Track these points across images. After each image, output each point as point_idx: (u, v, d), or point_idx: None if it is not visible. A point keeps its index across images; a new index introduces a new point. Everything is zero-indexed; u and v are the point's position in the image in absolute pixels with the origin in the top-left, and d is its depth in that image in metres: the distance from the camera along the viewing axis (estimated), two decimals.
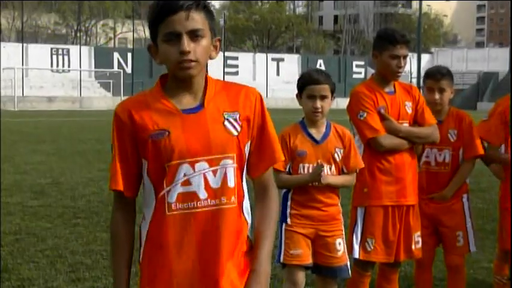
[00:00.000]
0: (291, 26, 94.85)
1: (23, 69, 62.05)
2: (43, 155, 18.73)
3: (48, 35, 78.75)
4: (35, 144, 21.81)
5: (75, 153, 19.32)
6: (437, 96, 5.60)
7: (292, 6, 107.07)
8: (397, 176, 5.22)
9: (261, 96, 3.04)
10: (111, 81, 66.13)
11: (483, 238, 8.09)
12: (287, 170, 4.90)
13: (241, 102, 2.98)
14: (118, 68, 67.36)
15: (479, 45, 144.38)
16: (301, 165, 4.88)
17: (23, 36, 67.17)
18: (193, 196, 2.88)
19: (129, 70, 68.47)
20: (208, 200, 2.88)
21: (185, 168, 2.86)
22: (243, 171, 2.98)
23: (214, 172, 2.88)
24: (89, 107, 60.36)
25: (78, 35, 77.19)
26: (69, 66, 67.11)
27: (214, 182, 2.88)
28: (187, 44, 2.81)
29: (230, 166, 2.91)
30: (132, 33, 73.76)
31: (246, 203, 3.01)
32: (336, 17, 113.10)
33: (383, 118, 5.22)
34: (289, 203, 4.94)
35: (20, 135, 25.53)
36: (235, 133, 2.91)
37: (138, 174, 2.96)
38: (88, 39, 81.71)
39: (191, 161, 2.86)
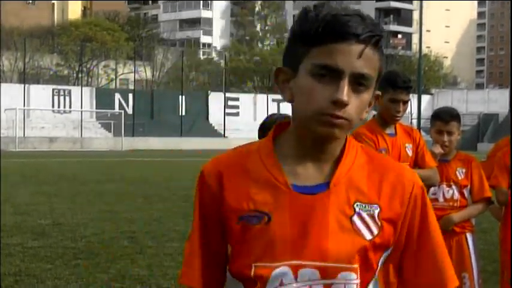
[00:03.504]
0: None
1: (24, 110, 62.24)
2: (44, 195, 18.71)
3: (50, 76, 79.11)
4: (36, 185, 21.79)
5: (75, 194, 19.30)
6: (445, 138, 5.62)
7: None
8: None
9: (422, 187, 2.00)
10: (112, 122, 66.29)
11: (485, 279, 8.06)
12: None
13: (388, 190, 1.96)
14: (119, 109, 67.58)
15: (479, 86, 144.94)
16: None
17: (25, 77, 67.49)
18: None
19: (130, 111, 68.65)
20: None
21: (284, 273, 1.89)
22: None
23: None
24: (89, 148, 60.41)
25: (79, 76, 77.57)
26: (70, 107, 67.34)
27: None
28: (347, 92, 1.83)
29: (352, 283, 1.91)
30: (133, 74, 74.12)
31: None
32: None
33: None
34: None
35: (20, 176, 25.52)
36: (369, 236, 1.91)
37: (222, 265, 2.03)
38: (89, 80, 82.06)
39: (294, 264, 1.89)
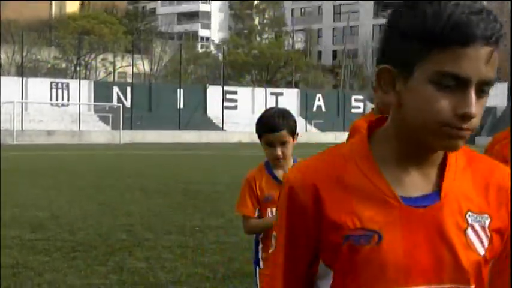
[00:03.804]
0: (290, 60, 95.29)
1: (22, 103, 62.21)
2: (42, 188, 18.71)
3: (47, 69, 79.07)
4: (34, 178, 21.80)
5: (73, 187, 19.30)
6: None
7: (291, 42, 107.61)
8: None
9: None
10: (110, 115, 66.31)
11: None
12: (256, 215, 4.52)
13: (494, 196, 1.72)
14: (117, 102, 67.58)
15: None
16: (269, 209, 4.49)
17: (23, 71, 67.44)
18: None
19: (128, 104, 68.66)
20: None
21: None
22: None
23: None
24: (87, 141, 60.41)
25: (77, 69, 77.53)
26: (68, 100, 67.32)
27: None
28: (475, 103, 1.59)
29: None
30: (131, 67, 74.08)
31: None
32: (334, 52, 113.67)
33: None
34: (260, 246, 4.62)
35: (18, 169, 25.51)
36: (482, 251, 1.68)
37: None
38: (87, 73, 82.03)
39: None
